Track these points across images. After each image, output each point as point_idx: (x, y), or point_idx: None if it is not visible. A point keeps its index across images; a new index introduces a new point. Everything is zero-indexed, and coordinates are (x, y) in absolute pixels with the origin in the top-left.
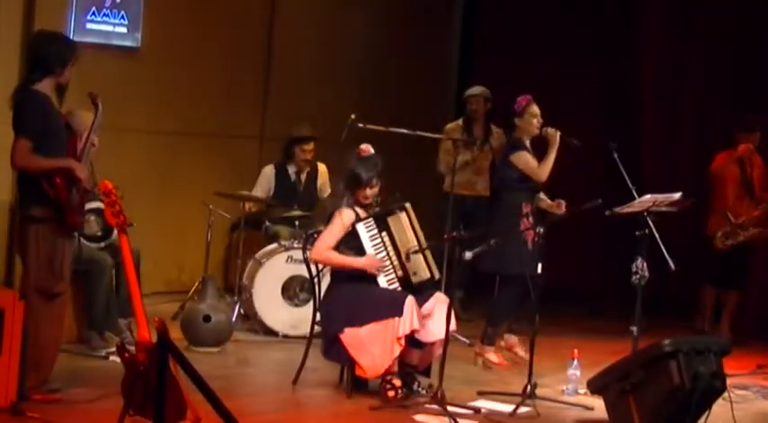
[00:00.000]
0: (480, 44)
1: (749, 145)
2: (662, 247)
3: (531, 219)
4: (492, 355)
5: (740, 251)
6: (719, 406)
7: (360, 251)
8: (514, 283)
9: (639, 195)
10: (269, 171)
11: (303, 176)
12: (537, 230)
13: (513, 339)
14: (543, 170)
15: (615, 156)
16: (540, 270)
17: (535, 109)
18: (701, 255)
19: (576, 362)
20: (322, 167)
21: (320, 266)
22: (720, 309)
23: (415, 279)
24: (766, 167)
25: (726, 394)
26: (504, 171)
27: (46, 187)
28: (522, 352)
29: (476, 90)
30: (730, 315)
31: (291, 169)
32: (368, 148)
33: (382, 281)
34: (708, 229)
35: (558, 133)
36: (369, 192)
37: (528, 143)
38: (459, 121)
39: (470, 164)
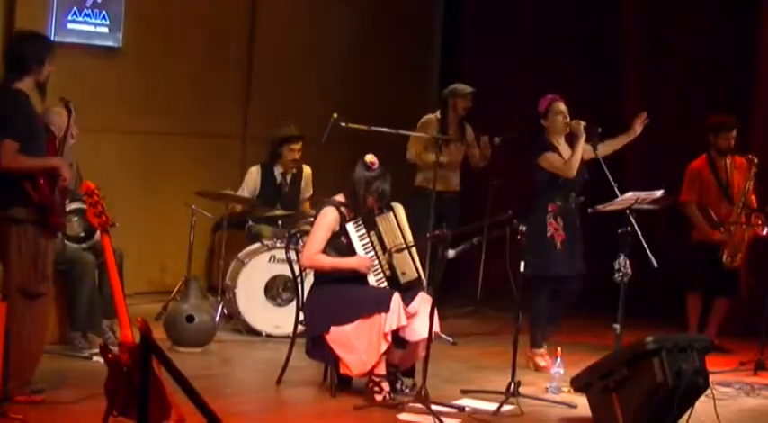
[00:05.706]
0: (461, 43)
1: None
2: (644, 245)
3: (559, 219)
4: (540, 359)
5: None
6: (702, 403)
7: (345, 252)
8: (545, 286)
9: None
10: (255, 172)
11: (288, 178)
12: (520, 229)
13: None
14: (569, 165)
15: (596, 154)
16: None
17: (559, 106)
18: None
19: (559, 360)
20: (307, 169)
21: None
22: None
23: (403, 279)
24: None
25: (709, 391)
26: (533, 175)
27: (29, 189)
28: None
29: (467, 88)
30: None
31: (277, 170)
32: (375, 161)
33: (372, 280)
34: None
35: (583, 124)
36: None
37: (562, 141)
38: (437, 115)
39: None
